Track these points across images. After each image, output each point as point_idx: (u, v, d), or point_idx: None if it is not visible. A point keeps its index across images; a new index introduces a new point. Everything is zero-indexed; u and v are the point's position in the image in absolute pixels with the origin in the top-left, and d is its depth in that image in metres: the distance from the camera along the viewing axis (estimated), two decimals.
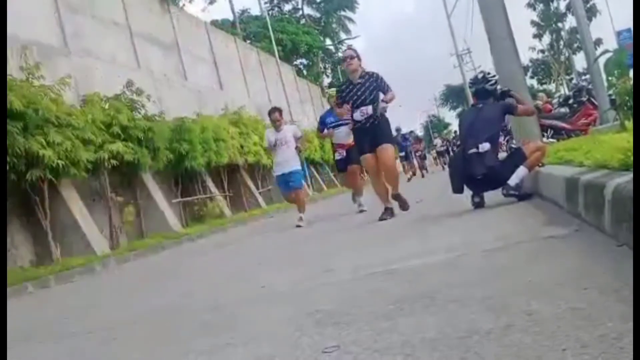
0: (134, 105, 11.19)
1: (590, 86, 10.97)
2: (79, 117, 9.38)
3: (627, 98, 5.28)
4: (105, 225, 10.07)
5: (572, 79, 40.58)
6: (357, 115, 5.68)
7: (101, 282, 6.63)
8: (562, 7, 39.91)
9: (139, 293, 4.42)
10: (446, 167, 18.41)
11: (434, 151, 32.80)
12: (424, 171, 22.81)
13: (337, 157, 7.97)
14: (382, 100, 5.69)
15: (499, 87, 5.10)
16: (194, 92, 16.47)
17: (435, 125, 74.12)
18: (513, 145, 8.19)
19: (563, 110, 11.70)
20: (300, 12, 43.98)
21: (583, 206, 2.66)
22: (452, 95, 69.24)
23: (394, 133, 21.85)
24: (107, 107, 10.61)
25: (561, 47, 43.15)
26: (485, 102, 4.91)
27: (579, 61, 40.20)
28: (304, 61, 38.79)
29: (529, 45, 43.71)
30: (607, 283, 1.66)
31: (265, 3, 38.87)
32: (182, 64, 16.84)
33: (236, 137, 15.42)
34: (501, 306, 1.66)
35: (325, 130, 8.14)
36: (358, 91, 5.73)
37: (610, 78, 6.06)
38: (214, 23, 26.49)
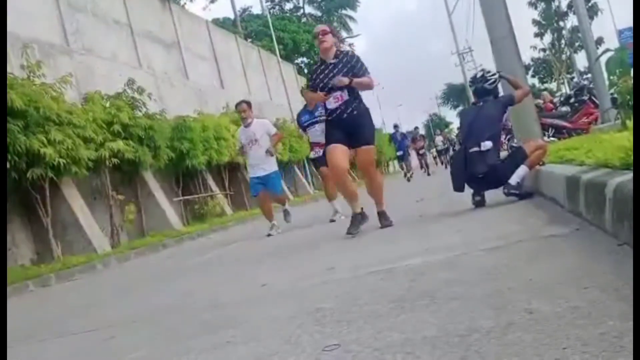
0: (135, 104, 11.22)
1: (591, 85, 10.98)
2: (80, 115, 9.40)
3: (628, 97, 5.29)
4: (106, 224, 10.08)
5: (573, 77, 40.57)
6: (331, 102, 4.66)
7: (102, 280, 6.64)
8: (564, 5, 39.86)
9: (139, 291, 4.42)
10: (448, 165, 18.18)
11: (434, 150, 32.61)
12: (428, 169, 22.25)
13: (313, 155, 7.26)
14: (349, 78, 4.55)
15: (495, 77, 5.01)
16: (195, 91, 16.49)
17: (437, 124, 74.08)
18: (514, 144, 8.18)
19: (564, 109, 11.71)
20: (302, 11, 44.03)
21: (584, 205, 2.66)
22: (453, 94, 69.16)
23: (392, 130, 21.40)
24: (108, 105, 10.64)
25: (562, 46, 43.08)
26: (485, 101, 4.89)
27: (580, 60, 40.25)
28: (305, 60, 38.74)
29: (530, 44, 43.69)
30: (608, 282, 1.66)
31: (267, 1, 38.96)
32: (183, 62, 16.85)
33: (237, 136, 15.41)
34: (502, 305, 1.66)
35: (301, 132, 7.58)
36: (330, 72, 4.67)
37: (611, 77, 6.07)
38: (215, 21, 26.54)
